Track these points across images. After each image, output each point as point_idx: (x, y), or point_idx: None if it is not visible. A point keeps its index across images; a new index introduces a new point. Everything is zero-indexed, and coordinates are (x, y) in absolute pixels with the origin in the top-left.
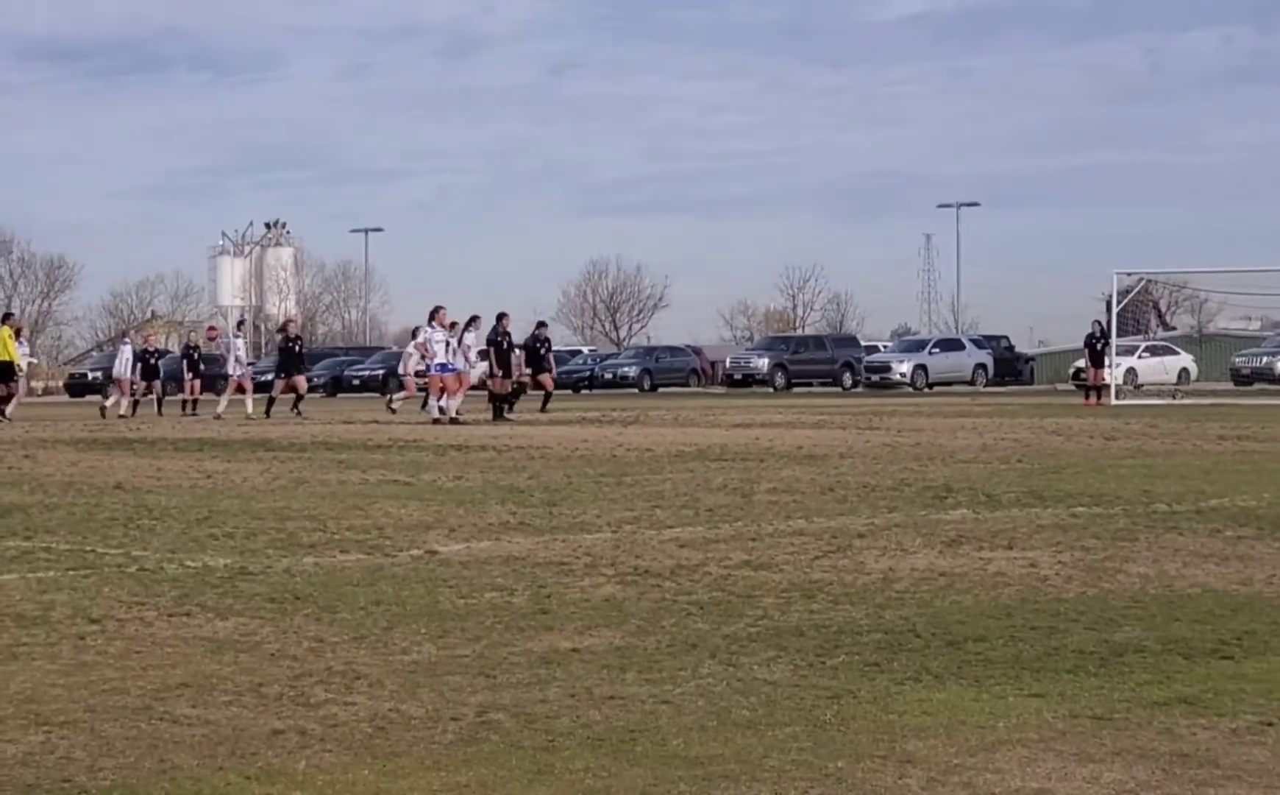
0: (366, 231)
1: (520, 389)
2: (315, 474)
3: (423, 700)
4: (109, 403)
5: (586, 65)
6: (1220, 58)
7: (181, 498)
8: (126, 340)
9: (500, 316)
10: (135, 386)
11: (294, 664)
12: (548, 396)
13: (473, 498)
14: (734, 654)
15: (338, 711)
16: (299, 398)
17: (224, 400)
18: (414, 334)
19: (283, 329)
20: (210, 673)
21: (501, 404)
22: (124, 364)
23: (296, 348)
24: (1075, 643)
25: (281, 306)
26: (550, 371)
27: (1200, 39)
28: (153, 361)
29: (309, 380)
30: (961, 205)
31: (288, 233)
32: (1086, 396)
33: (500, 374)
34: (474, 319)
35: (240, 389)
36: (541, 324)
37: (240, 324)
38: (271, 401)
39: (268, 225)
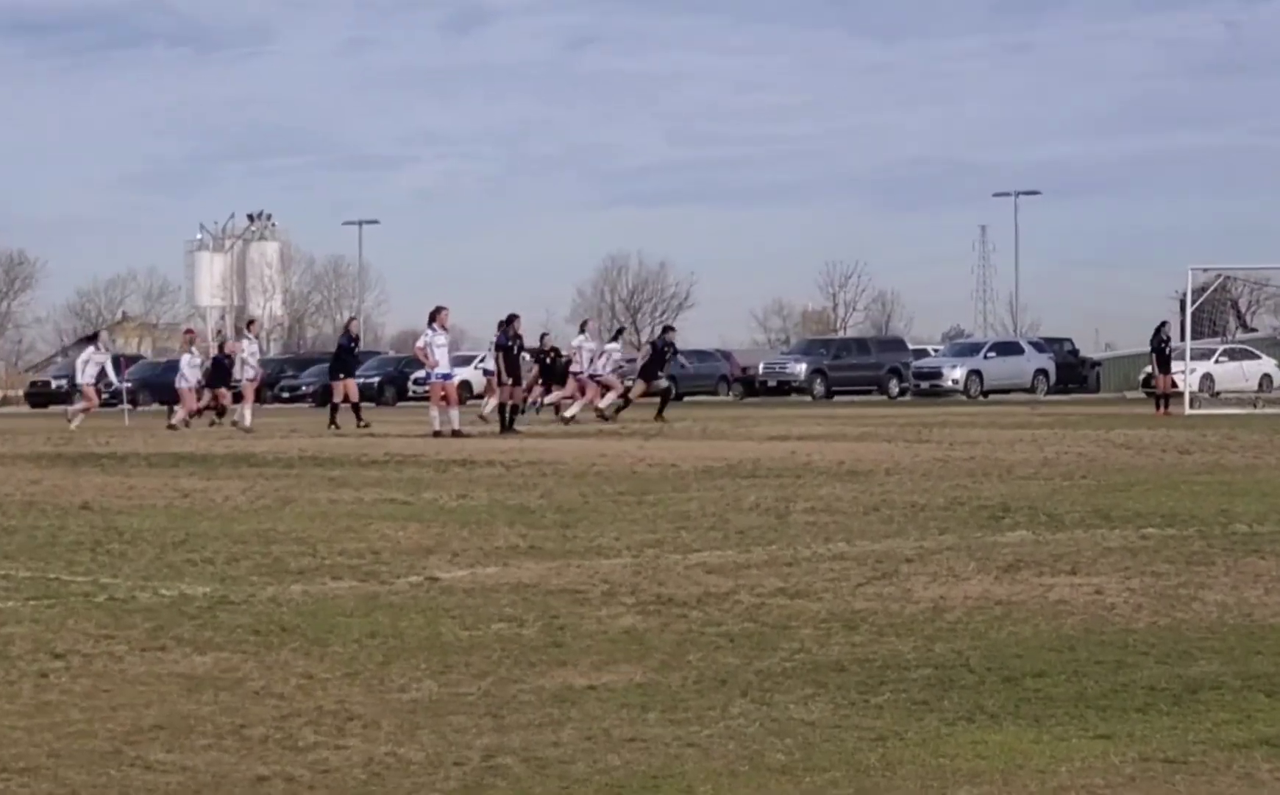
0: (360, 224)
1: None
2: (304, 492)
3: (422, 743)
4: (176, 418)
5: (607, 39)
6: None
7: (155, 519)
8: (193, 351)
9: (511, 319)
10: (217, 395)
11: (280, 703)
12: (665, 401)
13: (478, 518)
14: (768, 691)
15: (328, 756)
16: (335, 406)
17: (247, 412)
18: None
19: (345, 329)
20: (187, 713)
21: (512, 414)
22: (188, 375)
23: (354, 348)
24: (1145, 678)
25: (266, 307)
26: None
27: None
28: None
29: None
30: (1020, 194)
31: (273, 225)
32: (1158, 406)
33: (510, 381)
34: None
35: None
36: (669, 328)
37: (251, 323)
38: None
39: (250, 217)
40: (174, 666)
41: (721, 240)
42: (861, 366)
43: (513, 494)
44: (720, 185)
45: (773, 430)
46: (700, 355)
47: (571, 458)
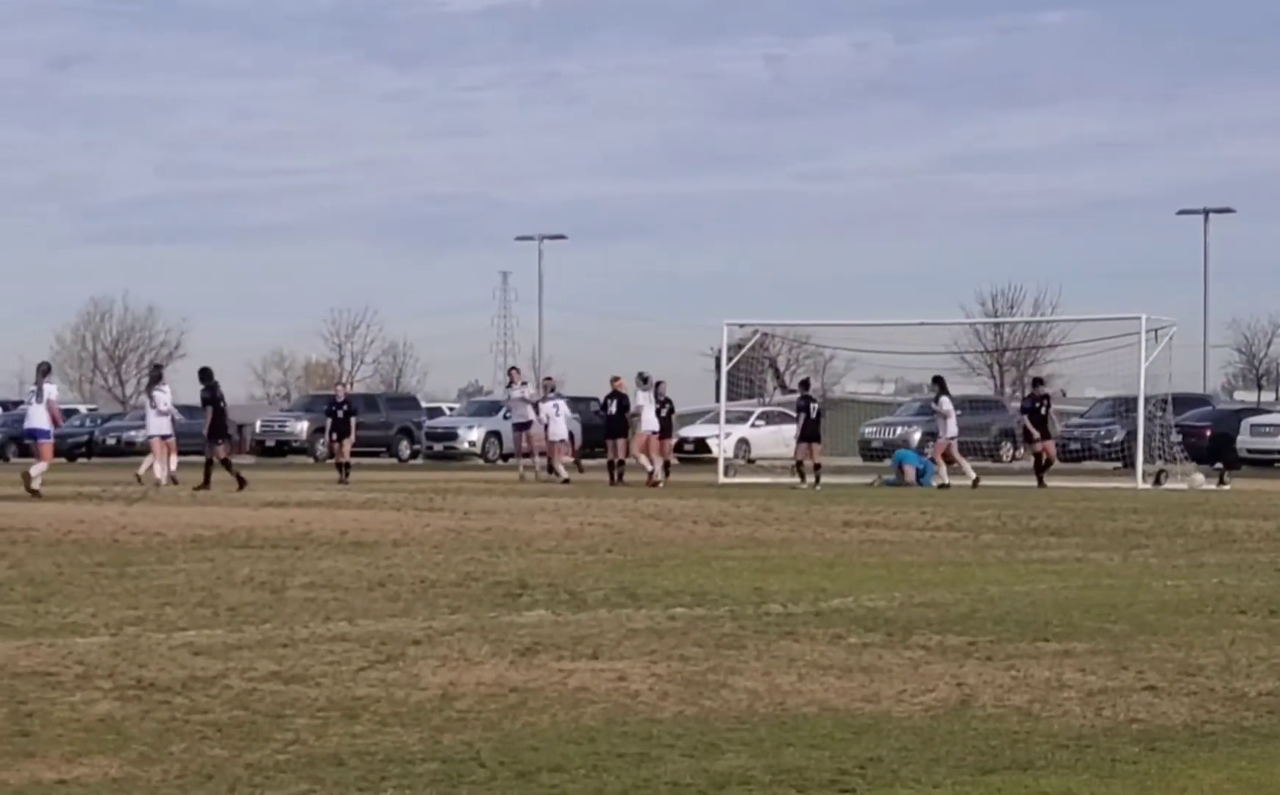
0: None
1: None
2: None
3: None
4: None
5: (96, 58)
6: (854, 67)
7: None
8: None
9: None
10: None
11: None
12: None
13: None
14: (258, 787)
15: None
16: None
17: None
18: None
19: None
20: None
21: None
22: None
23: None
24: (670, 773)
25: None
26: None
27: (829, 44)
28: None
29: None
30: (545, 238)
31: None
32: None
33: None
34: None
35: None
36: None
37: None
38: None
39: None
40: None
41: (217, 283)
42: (370, 426)
43: None
44: (216, 222)
45: (270, 495)
46: (188, 411)
47: (45, 525)
